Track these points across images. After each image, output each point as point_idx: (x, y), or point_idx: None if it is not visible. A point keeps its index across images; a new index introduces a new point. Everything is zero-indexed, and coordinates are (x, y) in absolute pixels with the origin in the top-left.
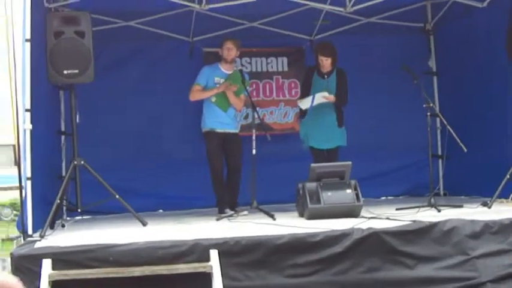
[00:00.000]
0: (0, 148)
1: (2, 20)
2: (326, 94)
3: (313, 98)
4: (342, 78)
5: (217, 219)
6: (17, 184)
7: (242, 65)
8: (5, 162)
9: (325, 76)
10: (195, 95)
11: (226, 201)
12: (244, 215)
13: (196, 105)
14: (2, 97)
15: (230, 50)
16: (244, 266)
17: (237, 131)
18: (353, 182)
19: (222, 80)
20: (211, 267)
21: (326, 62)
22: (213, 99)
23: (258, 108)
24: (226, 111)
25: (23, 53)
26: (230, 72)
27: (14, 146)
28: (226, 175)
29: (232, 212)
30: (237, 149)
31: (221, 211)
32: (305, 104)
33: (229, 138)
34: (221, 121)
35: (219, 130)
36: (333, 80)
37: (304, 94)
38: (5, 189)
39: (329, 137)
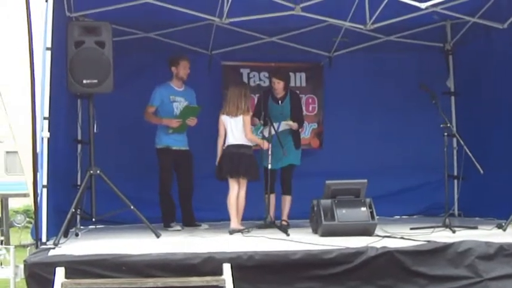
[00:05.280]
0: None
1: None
2: (290, 123)
3: (279, 125)
4: (295, 100)
5: (231, 233)
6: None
7: (260, 79)
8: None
9: (280, 102)
10: (148, 117)
11: (173, 215)
12: (205, 228)
13: (214, 117)
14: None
15: (187, 69)
16: (257, 280)
17: (188, 148)
18: (368, 200)
19: (177, 99)
20: (224, 281)
21: (278, 85)
22: (170, 131)
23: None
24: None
25: (43, 62)
26: (181, 89)
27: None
28: (179, 194)
29: (179, 228)
30: (189, 166)
31: (166, 225)
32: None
33: (182, 155)
34: (176, 139)
35: (174, 148)
36: (287, 104)
37: (258, 115)
38: (19, 195)
39: (283, 157)
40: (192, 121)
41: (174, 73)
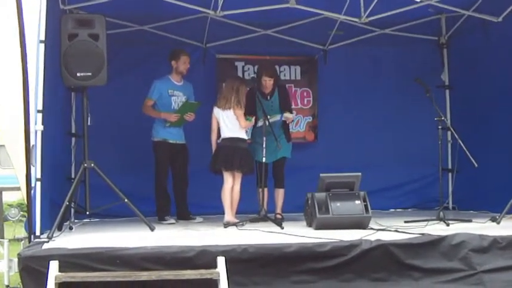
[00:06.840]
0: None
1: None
2: (289, 115)
3: (281, 117)
4: (283, 94)
5: (225, 226)
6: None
7: (255, 72)
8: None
9: (268, 97)
10: (146, 110)
11: (167, 209)
12: (200, 221)
13: (208, 110)
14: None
15: (187, 64)
16: (251, 273)
17: (185, 142)
18: (362, 193)
19: (176, 93)
20: (218, 274)
21: (269, 83)
22: (167, 124)
23: (269, 117)
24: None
25: (37, 54)
26: (180, 83)
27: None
28: (173, 188)
29: (173, 221)
30: (185, 160)
31: (161, 218)
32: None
33: (178, 149)
34: (173, 132)
35: (170, 141)
36: (275, 98)
37: (251, 113)
38: (13, 189)
39: (276, 150)
40: (190, 116)
41: (173, 67)
